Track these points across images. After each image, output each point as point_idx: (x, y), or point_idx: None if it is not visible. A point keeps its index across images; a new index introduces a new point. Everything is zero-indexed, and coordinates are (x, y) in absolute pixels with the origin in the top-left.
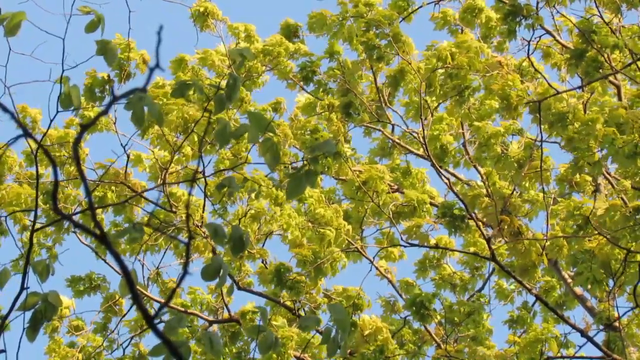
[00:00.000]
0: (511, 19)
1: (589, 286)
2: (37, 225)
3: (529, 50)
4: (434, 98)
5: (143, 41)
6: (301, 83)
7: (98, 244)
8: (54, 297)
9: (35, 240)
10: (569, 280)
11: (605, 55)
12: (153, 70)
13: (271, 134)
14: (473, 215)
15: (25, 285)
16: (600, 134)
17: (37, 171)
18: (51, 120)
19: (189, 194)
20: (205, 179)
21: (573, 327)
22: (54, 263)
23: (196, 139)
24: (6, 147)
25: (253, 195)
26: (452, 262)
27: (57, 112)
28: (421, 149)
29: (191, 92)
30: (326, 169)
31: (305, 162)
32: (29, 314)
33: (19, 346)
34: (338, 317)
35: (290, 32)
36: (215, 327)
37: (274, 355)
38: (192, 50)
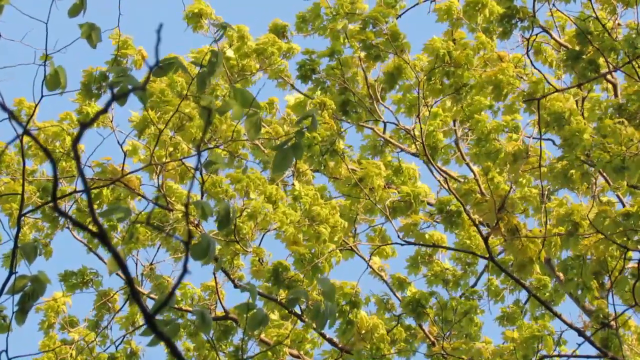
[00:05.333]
0: (507, 21)
1: (579, 292)
2: (36, 219)
3: (528, 47)
4: (429, 94)
5: (135, 34)
6: (292, 81)
7: (90, 239)
8: (41, 278)
9: (30, 232)
10: (562, 278)
11: (603, 56)
12: (152, 69)
13: (256, 109)
14: (468, 210)
15: (14, 270)
16: (588, 144)
17: (22, 156)
18: (36, 104)
19: (188, 191)
20: (202, 176)
21: (570, 326)
22: (47, 259)
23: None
24: (6, 146)
25: (241, 170)
26: (443, 258)
27: (42, 95)
28: (412, 146)
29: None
30: (322, 168)
31: (291, 135)
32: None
33: (7, 332)
34: (326, 289)
35: (279, 33)
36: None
37: (269, 354)
38: (183, 44)
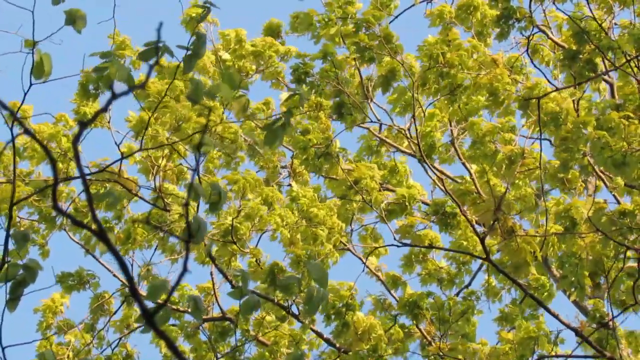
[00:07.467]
0: (504, 21)
1: (572, 289)
2: (32, 220)
3: (527, 46)
4: (424, 95)
5: (132, 34)
6: (285, 81)
7: (87, 240)
8: (32, 266)
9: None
10: (558, 277)
11: (600, 56)
12: (152, 67)
13: (244, 92)
14: (464, 210)
15: (6, 260)
16: (591, 137)
17: (13, 143)
18: (25, 93)
19: (187, 190)
20: (199, 178)
21: (567, 326)
22: (44, 260)
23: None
24: (5, 146)
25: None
26: (438, 257)
27: (31, 84)
28: (405, 144)
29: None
30: (317, 170)
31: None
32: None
33: (1, 320)
34: (317, 276)
35: (274, 33)
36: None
37: (267, 354)
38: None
